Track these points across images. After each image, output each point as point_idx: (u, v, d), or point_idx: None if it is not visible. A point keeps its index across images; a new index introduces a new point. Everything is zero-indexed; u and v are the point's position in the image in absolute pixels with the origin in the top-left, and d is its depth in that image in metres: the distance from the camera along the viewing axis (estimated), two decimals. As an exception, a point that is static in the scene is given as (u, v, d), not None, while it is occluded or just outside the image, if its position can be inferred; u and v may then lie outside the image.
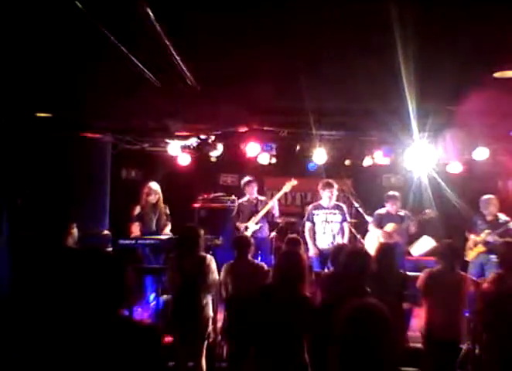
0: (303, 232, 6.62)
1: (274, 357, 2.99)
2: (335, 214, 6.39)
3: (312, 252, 6.31)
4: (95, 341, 1.90)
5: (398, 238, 6.35)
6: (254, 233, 6.56)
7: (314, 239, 6.39)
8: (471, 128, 5.73)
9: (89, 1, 2.86)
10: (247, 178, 6.85)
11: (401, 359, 4.20)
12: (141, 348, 1.92)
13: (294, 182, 6.85)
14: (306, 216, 6.53)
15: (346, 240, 6.36)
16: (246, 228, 6.62)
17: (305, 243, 6.29)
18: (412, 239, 6.79)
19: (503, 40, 3.29)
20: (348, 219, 6.52)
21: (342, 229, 6.40)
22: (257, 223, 6.64)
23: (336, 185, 6.41)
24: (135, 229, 6.08)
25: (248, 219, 6.70)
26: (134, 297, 5.44)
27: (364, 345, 1.92)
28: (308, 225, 6.47)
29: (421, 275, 4.27)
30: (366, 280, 3.23)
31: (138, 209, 6.18)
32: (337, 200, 6.61)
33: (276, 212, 6.85)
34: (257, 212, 6.68)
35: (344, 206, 6.60)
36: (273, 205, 6.71)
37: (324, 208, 6.40)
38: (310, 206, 6.60)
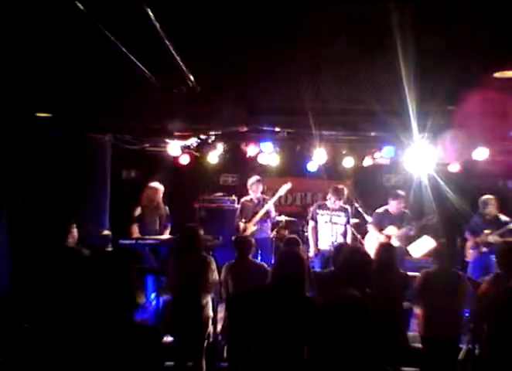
0: (303, 232, 6.60)
1: (274, 357, 2.99)
2: (339, 216, 6.30)
3: (312, 252, 6.28)
4: (97, 341, 1.90)
5: (398, 239, 6.33)
6: (254, 233, 6.55)
7: (316, 239, 6.32)
8: (471, 129, 5.73)
9: (89, 2, 2.86)
10: (255, 178, 6.79)
11: (401, 359, 4.23)
12: (143, 349, 1.92)
13: (288, 186, 6.82)
14: (310, 214, 6.46)
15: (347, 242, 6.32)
16: (244, 229, 6.62)
17: (305, 243, 6.27)
18: (412, 239, 6.78)
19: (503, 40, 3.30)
20: (350, 221, 6.49)
21: (345, 231, 6.33)
22: (255, 225, 6.63)
23: (345, 193, 6.32)
24: (136, 230, 6.07)
25: (251, 219, 6.70)
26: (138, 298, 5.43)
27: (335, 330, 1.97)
28: (311, 224, 6.40)
29: (419, 276, 4.26)
30: (364, 279, 3.22)
31: (138, 210, 6.16)
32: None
33: (272, 214, 6.84)
34: (258, 212, 6.67)
35: (349, 208, 6.52)
36: (269, 208, 6.70)
37: (329, 208, 6.30)
38: (315, 205, 6.54)
